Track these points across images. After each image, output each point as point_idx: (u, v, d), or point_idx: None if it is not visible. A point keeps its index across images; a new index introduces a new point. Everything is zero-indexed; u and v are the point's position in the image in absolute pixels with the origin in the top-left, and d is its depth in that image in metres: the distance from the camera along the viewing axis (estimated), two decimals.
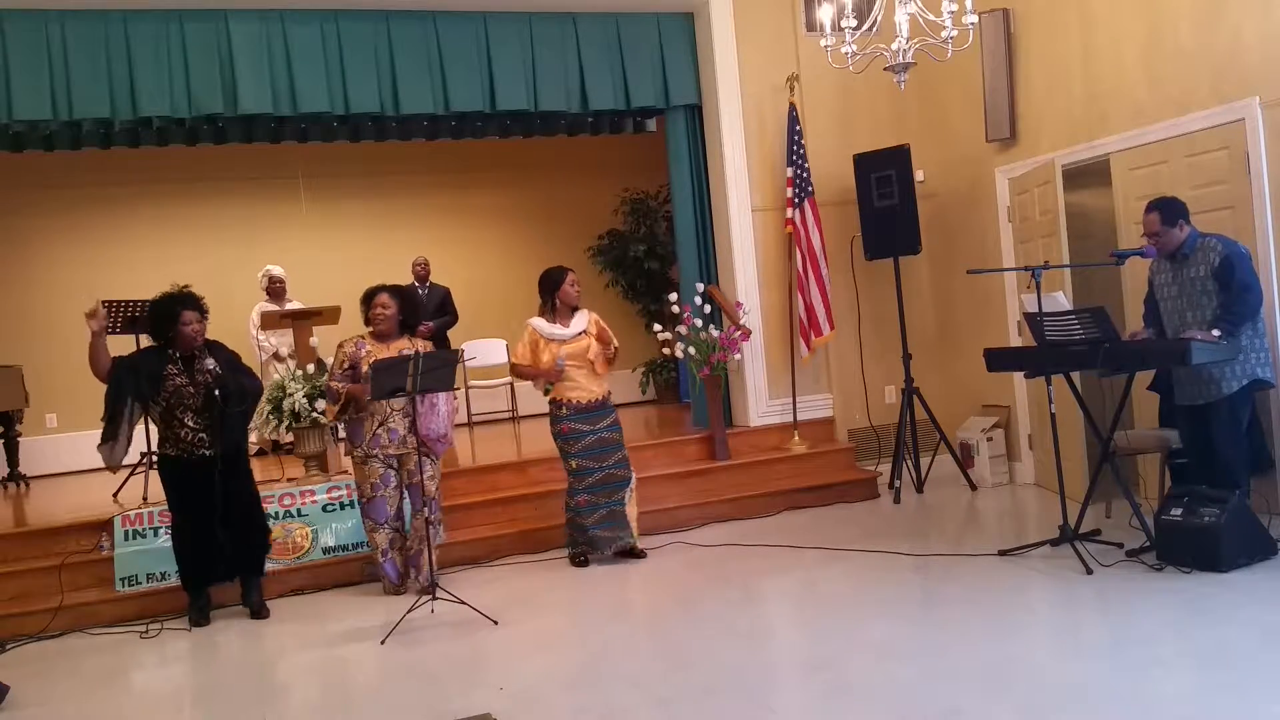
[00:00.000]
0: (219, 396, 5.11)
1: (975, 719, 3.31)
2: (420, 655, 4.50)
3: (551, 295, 5.72)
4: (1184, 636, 3.89)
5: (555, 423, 5.71)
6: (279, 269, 8.66)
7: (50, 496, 7.45)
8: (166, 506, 5.34)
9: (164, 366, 5.13)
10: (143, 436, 6.57)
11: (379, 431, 5.36)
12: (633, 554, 5.76)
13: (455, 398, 5.67)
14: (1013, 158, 6.88)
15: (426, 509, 5.39)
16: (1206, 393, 4.89)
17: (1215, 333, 4.75)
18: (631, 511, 5.75)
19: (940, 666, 3.78)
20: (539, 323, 5.71)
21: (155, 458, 5.57)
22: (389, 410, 5.33)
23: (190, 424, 5.14)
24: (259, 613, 5.30)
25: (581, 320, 5.74)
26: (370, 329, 5.53)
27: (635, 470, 5.87)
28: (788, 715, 3.56)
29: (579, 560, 5.75)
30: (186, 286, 5.27)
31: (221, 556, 5.20)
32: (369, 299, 5.53)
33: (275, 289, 8.57)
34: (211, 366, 5.11)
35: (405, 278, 8.60)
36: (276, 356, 8.40)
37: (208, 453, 5.15)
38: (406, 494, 5.53)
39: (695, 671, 3.98)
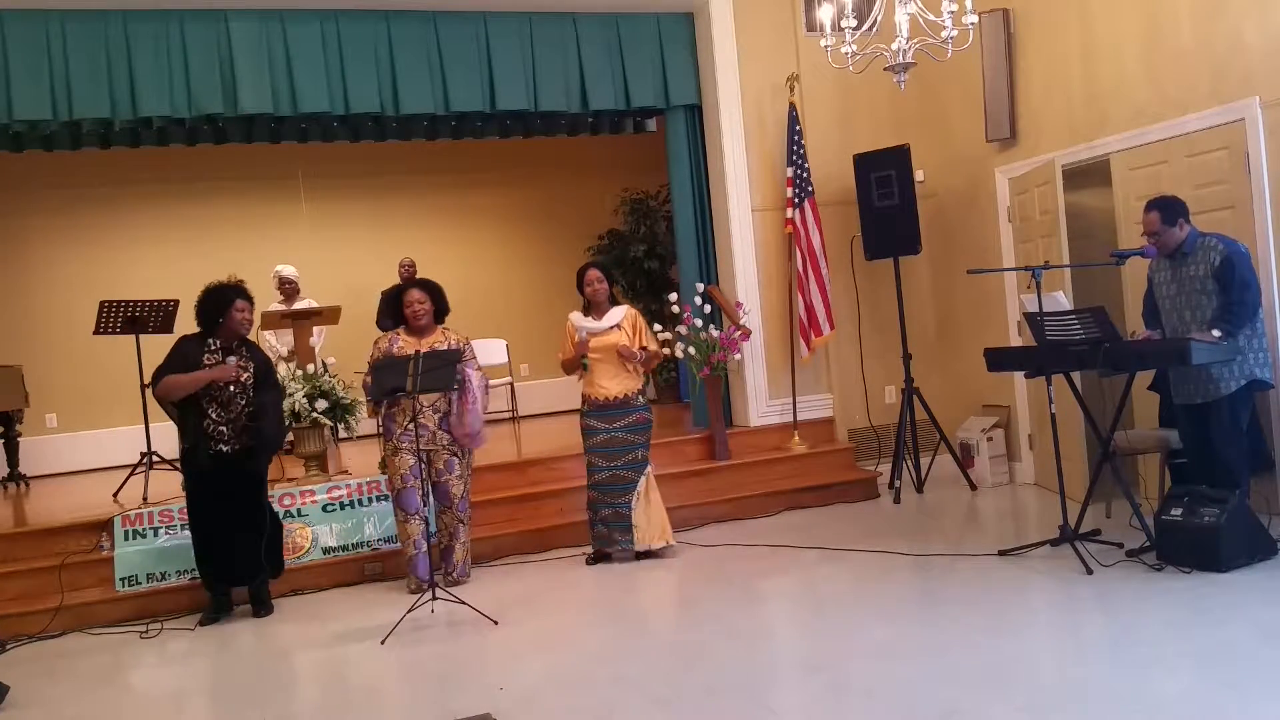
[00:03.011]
0: (248, 414, 5.18)
1: (975, 719, 3.31)
2: (420, 655, 4.50)
3: (580, 292, 5.85)
4: (1184, 636, 3.89)
5: (580, 418, 5.83)
6: (290, 269, 8.45)
7: (50, 496, 7.44)
8: (184, 503, 5.37)
9: (202, 354, 5.18)
10: (143, 436, 6.60)
11: (410, 427, 5.37)
12: (647, 553, 5.74)
13: (488, 390, 5.69)
14: (1013, 158, 6.88)
15: (454, 507, 5.45)
16: (1205, 392, 4.89)
17: (1215, 333, 4.75)
18: (644, 513, 5.70)
19: (940, 666, 3.78)
20: (574, 316, 5.86)
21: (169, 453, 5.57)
22: (420, 406, 5.33)
23: (214, 416, 5.15)
24: (262, 609, 5.32)
25: (617, 315, 5.77)
26: (403, 326, 5.57)
27: None
28: (788, 715, 3.57)
29: (591, 560, 5.76)
30: (242, 280, 5.36)
31: (240, 556, 5.24)
32: (396, 299, 5.52)
33: (287, 289, 8.43)
34: (246, 379, 5.19)
35: (398, 279, 8.58)
36: (280, 357, 8.36)
37: (225, 448, 5.16)
38: (433, 492, 5.52)
39: (695, 671, 3.98)
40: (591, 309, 5.81)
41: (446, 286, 8.45)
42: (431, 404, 5.40)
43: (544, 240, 10.39)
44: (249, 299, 5.31)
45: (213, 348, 5.22)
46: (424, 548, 5.42)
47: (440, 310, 5.62)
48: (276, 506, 5.85)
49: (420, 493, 5.42)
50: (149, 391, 5.33)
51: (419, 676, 4.26)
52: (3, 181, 8.80)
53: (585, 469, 5.80)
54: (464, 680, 4.16)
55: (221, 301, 5.21)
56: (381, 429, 5.56)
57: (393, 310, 5.64)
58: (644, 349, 5.75)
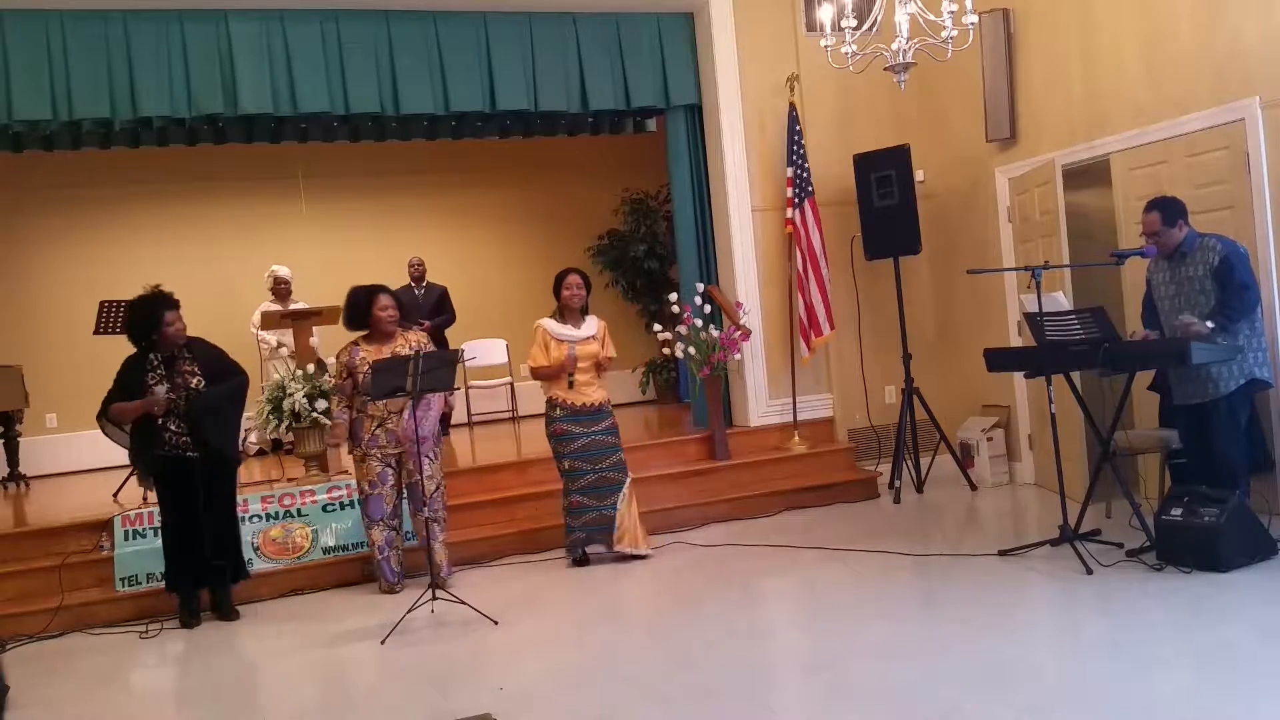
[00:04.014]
0: (189, 415, 5.15)
1: (975, 719, 3.31)
2: (420, 655, 4.50)
3: (556, 297, 5.76)
4: (1184, 636, 3.89)
5: (549, 423, 5.73)
6: (285, 269, 8.64)
7: (50, 496, 7.45)
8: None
9: (144, 375, 5.13)
10: None
11: (377, 432, 5.40)
12: (634, 555, 5.75)
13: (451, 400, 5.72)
14: (1013, 158, 6.88)
15: (426, 508, 5.42)
16: (1204, 392, 4.89)
17: (1209, 324, 4.74)
18: (630, 516, 5.71)
19: (940, 666, 3.78)
20: (548, 322, 5.73)
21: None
22: (386, 411, 5.35)
23: (173, 428, 5.16)
24: (226, 615, 5.29)
25: (592, 325, 5.75)
26: (365, 332, 5.54)
27: (635, 470, 5.86)
28: (788, 715, 3.56)
29: (579, 560, 5.75)
30: (158, 286, 5.27)
31: (207, 560, 5.24)
32: (366, 303, 5.49)
33: (280, 289, 8.55)
34: (196, 383, 5.15)
35: (404, 278, 8.60)
36: (276, 354, 8.39)
37: (193, 454, 5.16)
38: (407, 494, 5.54)
39: (695, 672, 3.98)
40: (566, 315, 5.74)
41: (447, 286, 8.37)
42: (398, 409, 5.39)
43: (544, 240, 10.38)
44: (175, 306, 5.20)
45: (154, 363, 5.17)
46: (388, 553, 5.47)
47: (402, 319, 5.63)
48: (276, 506, 5.86)
49: (387, 500, 5.45)
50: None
51: (419, 676, 4.26)
52: (3, 181, 8.80)
53: (563, 476, 5.71)
54: (464, 680, 4.16)
55: (150, 318, 5.13)
56: (349, 432, 5.53)
57: (360, 311, 5.51)
58: (608, 358, 5.77)
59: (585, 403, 5.66)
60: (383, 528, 5.46)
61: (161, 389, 5.10)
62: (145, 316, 5.15)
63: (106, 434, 5.28)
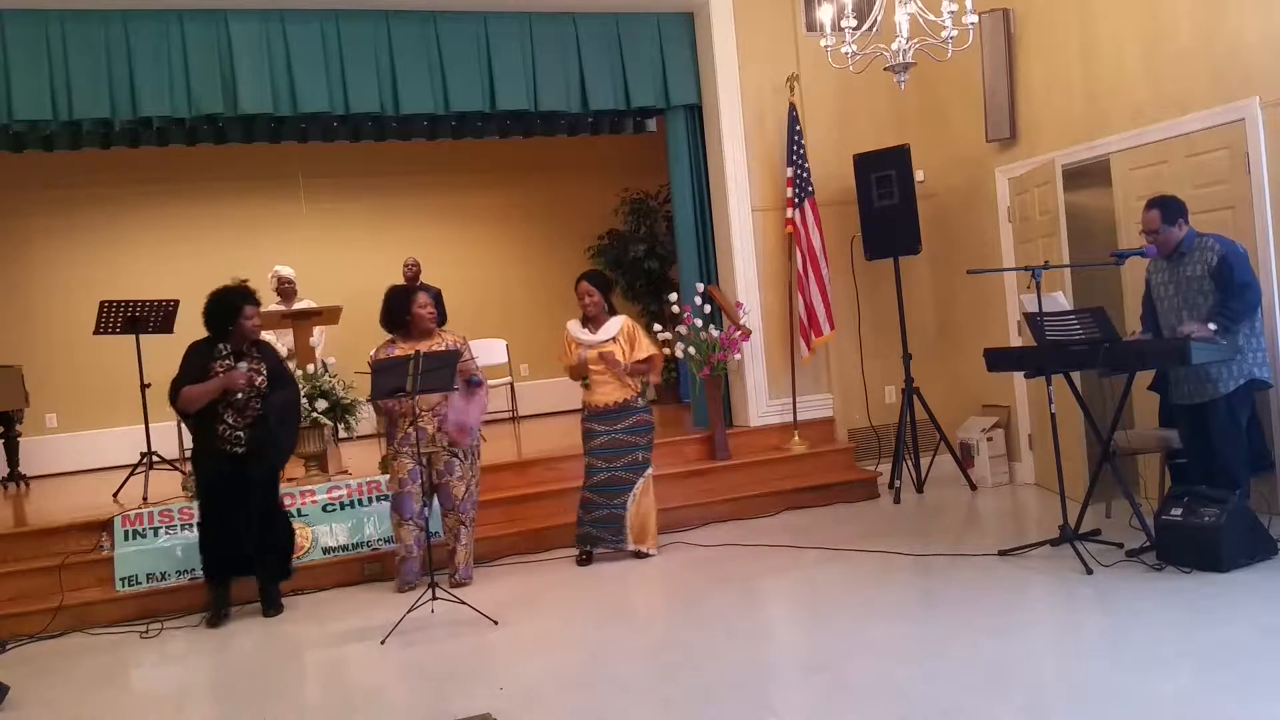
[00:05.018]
0: (261, 412, 5.18)
1: (975, 719, 3.31)
2: (420, 655, 4.51)
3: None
4: (1184, 636, 3.89)
5: (581, 421, 5.86)
6: (288, 269, 8.53)
7: (50, 496, 7.44)
8: (182, 504, 5.38)
9: (211, 360, 5.16)
10: (143, 436, 6.60)
11: (409, 430, 5.41)
12: (638, 554, 5.76)
13: (487, 393, 5.78)
14: (1013, 158, 6.88)
15: (456, 509, 5.48)
16: (1203, 391, 4.89)
17: (1211, 326, 4.74)
18: (637, 514, 5.71)
19: (940, 666, 3.78)
20: (571, 325, 5.89)
21: (189, 453, 5.56)
22: (419, 410, 5.35)
23: (229, 420, 5.16)
24: (271, 609, 5.31)
25: (613, 327, 5.79)
26: (401, 331, 5.57)
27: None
28: (788, 715, 3.57)
29: (582, 558, 5.77)
30: (245, 281, 5.35)
31: (245, 554, 5.24)
32: (404, 302, 5.53)
33: (285, 289, 8.47)
34: (260, 382, 5.19)
35: (399, 278, 8.58)
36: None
37: (241, 450, 5.17)
38: (437, 494, 5.56)
39: (695, 672, 3.98)
40: (587, 320, 5.82)
41: (446, 287, 8.52)
42: (431, 407, 5.42)
43: (544, 240, 10.39)
44: (257, 303, 5.30)
45: (224, 353, 5.20)
46: (415, 552, 5.46)
47: (441, 315, 5.69)
48: None
49: (416, 498, 5.45)
50: (167, 402, 5.30)
51: (419, 676, 4.26)
52: (3, 181, 8.80)
53: (583, 471, 5.81)
54: (464, 680, 4.16)
55: (230, 309, 5.19)
56: (384, 431, 5.60)
57: (397, 310, 5.58)
58: (643, 361, 5.75)
59: (604, 402, 5.74)
60: (412, 527, 5.45)
61: (243, 364, 5.15)
62: (225, 306, 5.21)
63: (184, 420, 5.34)
